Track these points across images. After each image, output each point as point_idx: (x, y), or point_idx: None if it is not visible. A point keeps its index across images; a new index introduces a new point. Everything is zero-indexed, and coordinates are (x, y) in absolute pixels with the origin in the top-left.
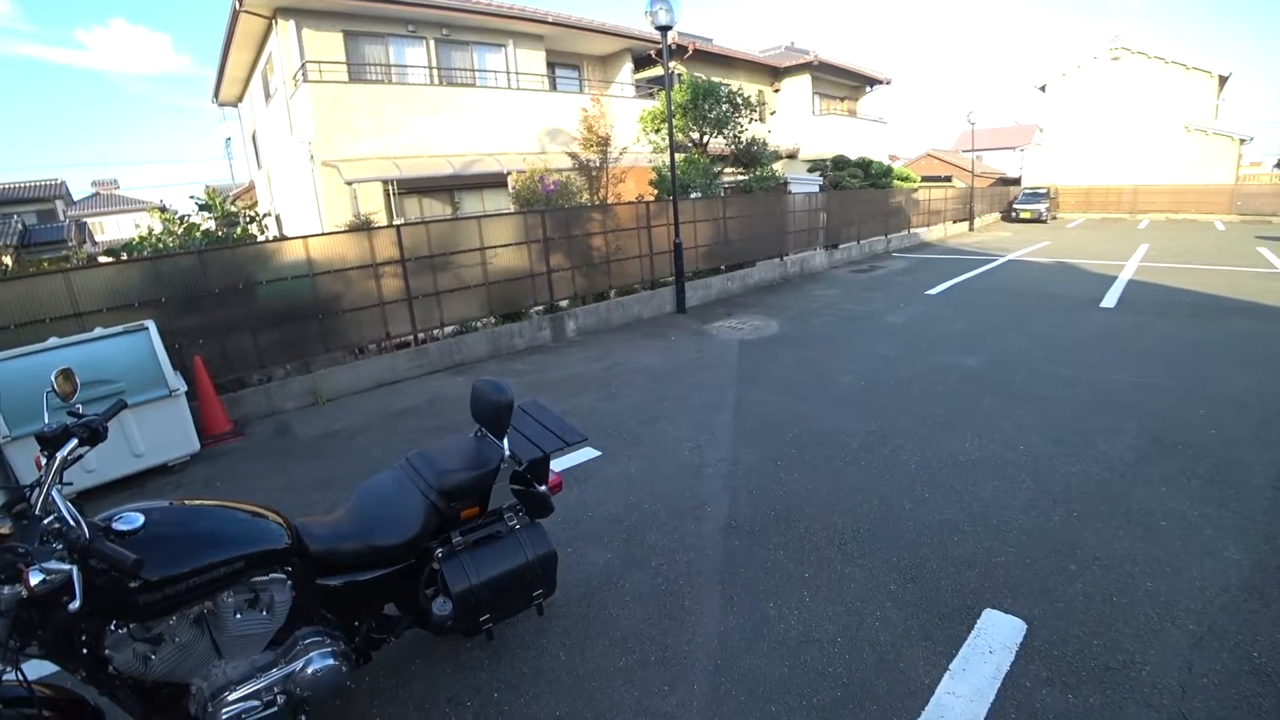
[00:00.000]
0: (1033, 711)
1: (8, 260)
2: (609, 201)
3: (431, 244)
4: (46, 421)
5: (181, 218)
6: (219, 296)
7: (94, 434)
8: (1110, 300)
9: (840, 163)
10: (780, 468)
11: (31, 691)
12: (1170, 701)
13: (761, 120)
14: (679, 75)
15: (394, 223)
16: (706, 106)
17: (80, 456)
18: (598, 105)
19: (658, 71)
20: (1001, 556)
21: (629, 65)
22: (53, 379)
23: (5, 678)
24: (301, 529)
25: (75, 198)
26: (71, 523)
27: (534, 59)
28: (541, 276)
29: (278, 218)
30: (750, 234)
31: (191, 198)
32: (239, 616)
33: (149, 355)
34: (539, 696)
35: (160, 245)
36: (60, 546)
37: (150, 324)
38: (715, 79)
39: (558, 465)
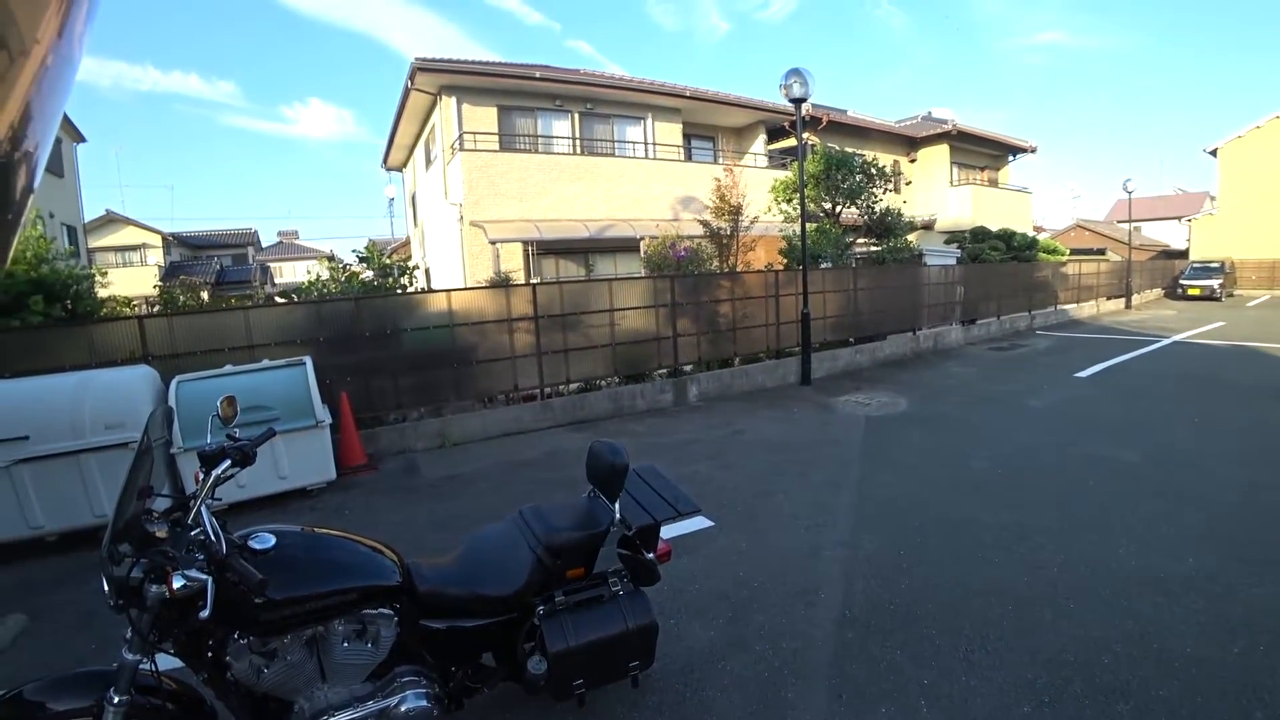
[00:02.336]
0: None
1: (204, 295)
2: (738, 269)
3: (564, 303)
4: (208, 441)
5: (344, 267)
6: (369, 339)
7: (245, 457)
8: None
9: (980, 234)
10: (903, 558)
11: (160, 683)
12: None
13: (896, 191)
14: (812, 146)
15: (530, 281)
16: (840, 177)
17: (231, 476)
18: (730, 175)
19: (791, 142)
20: (1164, 690)
21: (763, 136)
22: (218, 404)
23: (141, 668)
24: (413, 569)
25: (263, 244)
26: (213, 537)
27: (671, 130)
28: (667, 340)
29: (427, 271)
30: (881, 306)
31: (354, 251)
32: (346, 645)
33: (303, 388)
34: None
35: (324, 291)
36: (202, 557)
37: (308, 360)
38: (849, 149)
39: (667, 533)
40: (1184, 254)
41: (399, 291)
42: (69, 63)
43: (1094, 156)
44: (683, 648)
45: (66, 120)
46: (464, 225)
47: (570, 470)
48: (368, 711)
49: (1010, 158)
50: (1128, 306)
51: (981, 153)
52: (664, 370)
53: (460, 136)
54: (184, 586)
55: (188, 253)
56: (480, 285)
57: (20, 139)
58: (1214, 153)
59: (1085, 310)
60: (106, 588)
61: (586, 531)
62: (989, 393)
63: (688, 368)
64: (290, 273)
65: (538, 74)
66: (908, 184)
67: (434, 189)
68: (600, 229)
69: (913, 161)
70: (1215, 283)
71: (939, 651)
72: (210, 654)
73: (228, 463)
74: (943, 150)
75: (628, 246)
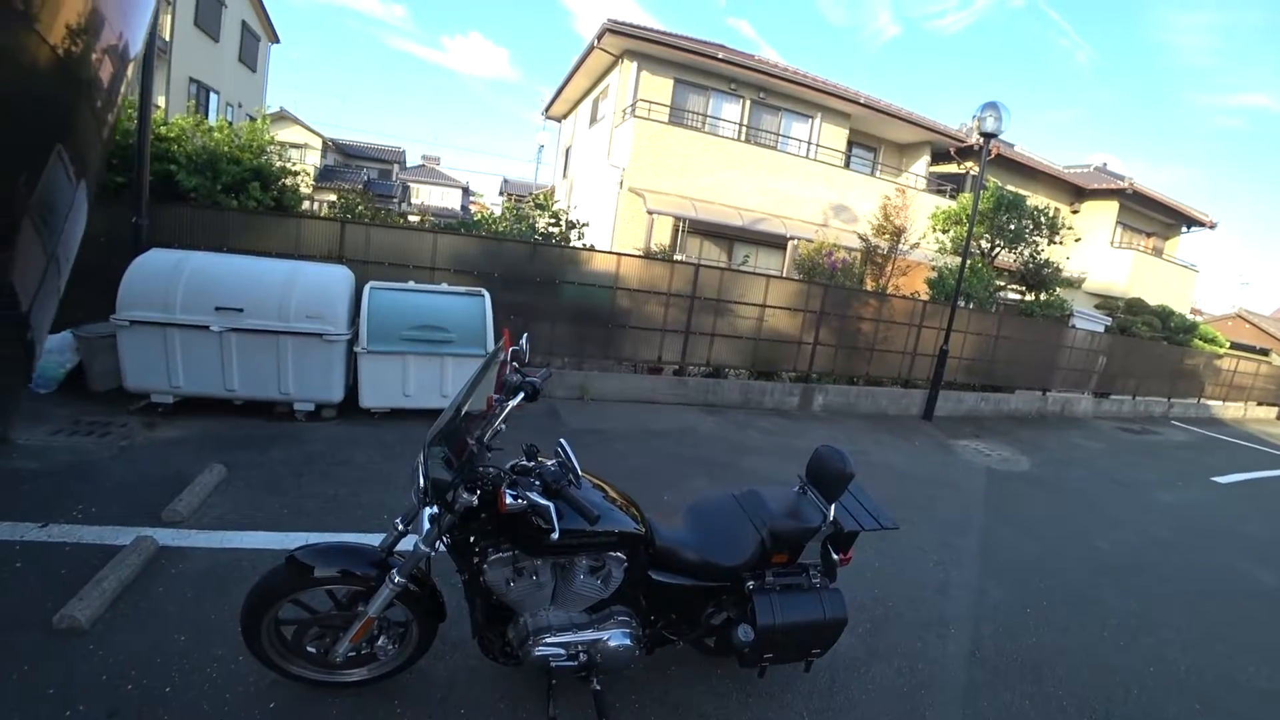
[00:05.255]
0: None
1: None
2: (888, 291)
3: (721, 288)
4: (513, 367)
5: (518, 209)
6: (537, 284)
7: (535, 392)
8: None
9: (1135, 307)
10: (1029, 616)
11: (426, 575)
12: None
13: (1062, 244)
14: (985, 182)
15: (680, 259)
16: (1005, 218)
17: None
18: (902, 196)
19: (952, 168)
20: None
21: (926, 158)
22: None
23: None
24: (651, 523)
25: (407, 164)
26: (566, 470)
27: (836, 135)
28: (806, 346)
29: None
30: (1016, 358)
31: (530, 197)
32: (582, 578)
33: (479, 319)
34: None
35: (499, 230)
36: (538, 483)
37: (486, 293)
38: (1012, 187)
39: None
40: None
41: (575, 246)
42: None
43: (1271, 242)
44: None
45: (266, 20)
46: (622, 190)
47: (703, 451)
48: (582, 638)
49: (1184, 229)
50: (1279, 416)
51: (1153, 218)
52: (794, 374)
53: (635, 103)
54: (516, 504)
55: (340, 159)
56: (648, 255)
57: (87, 46)
58: None
59: (1230, 411)
60: (423, 482)
61: (805, 525)
62: (1116, 474)
63: (816, 377)
64: (427, 195)
65: (720, 54)
66: (1077, 240)
67: (595, 147)
68: (753, 220)
69: (1075, 212)
70: None
71: (1065, 712)
72: (475, 559)
73: (522, 395)
74: (1111, 207)
75: (775, 242)
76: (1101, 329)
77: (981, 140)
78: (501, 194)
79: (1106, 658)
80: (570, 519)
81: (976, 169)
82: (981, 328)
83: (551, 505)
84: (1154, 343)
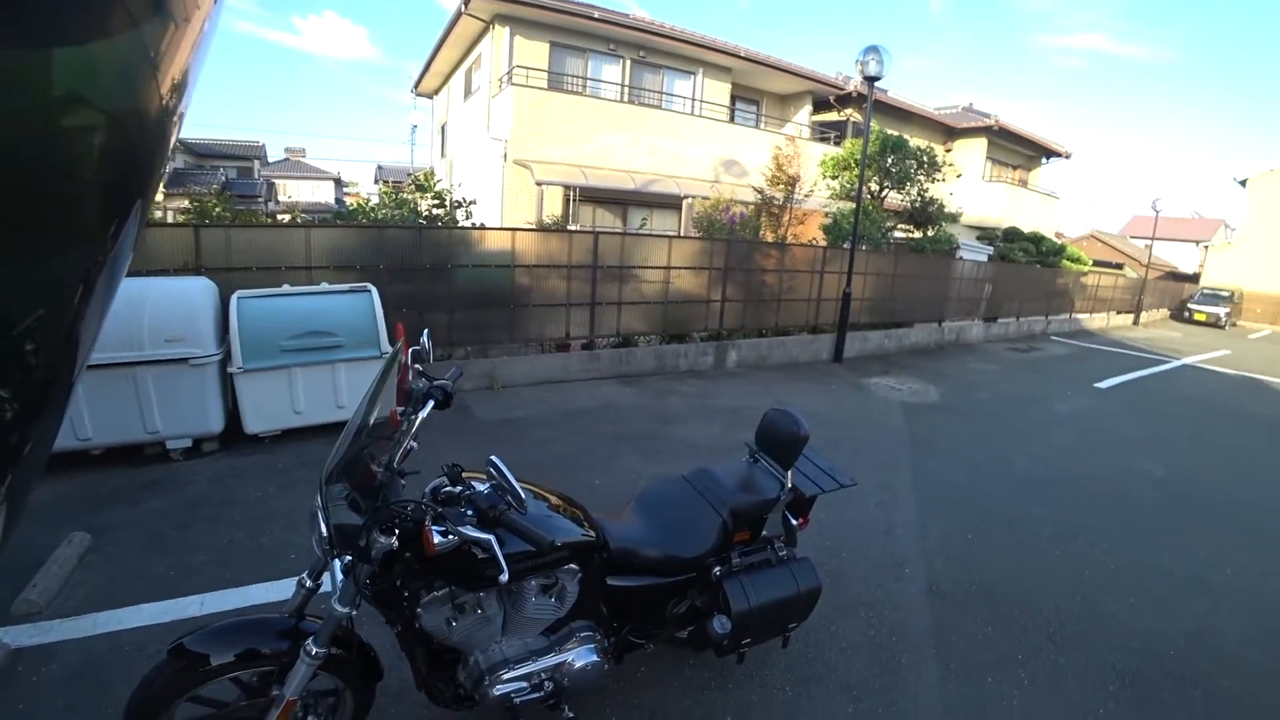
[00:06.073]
0: None
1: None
2: (787, 241)
3: (623, 255)
4: (415, 370)
5: (397, 194)
6: (428, 271)
7: (448, 398)
8: None
9: (1012, 235)
10: (972, 542)
11: (351, 635)
12: None
13: (944, 181)
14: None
15: (578, 228)
16: (891, 161)
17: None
18: (792, 145)
19: (833, 116)
20: (1227, 682)
21: (808, 107)
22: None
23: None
24: (601, 526)
25: (269, 160)
26: (504, 491)
27: (719, 89)
28: (715, 304)
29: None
30: (913, 294)
31: (391, 181)
32: (534, 601)
33: (369, 317)
34: None
35: (378, 217)
36: (470, 511)
37: (373, 288)
38: (890, 130)
39: None
40: (1192, 278)
41: (464, 226)
42: (215, 28)
43: (1114, 168)
44: None
45: None
46: (507, 163)
47: (628, 425)
48: (544, 664)
49: (1044, 160)
50: (1136, 323)
51: (1017, 151)
52: (705, 333)
53: (511, 70)
54: (447, 542)
55: (191, 160)
56: (543, 228)
57: (179, 100)
58: (1244, 182)
59: (1096, 322)
60: (325, 531)
61: (763, 497)
62: (1014, 393)
63: (726, 334)
64: (296, 191)
65: (596, 14)
66: (959, 177)
67: (473, 121)
68: (646, 182)
69: (948, 151)
70: (1222, 311)
71: (1025, 630)
72: (406, 606)
73: (431, 403)
74: (980, 144)
75: (669, 203)
76: (985, 258)
77: (865, 84)
78: (377, 181)
79: (1048, 570)
80: (512, 542)
81: (857, 116)
82: (879, 268)
83: (493, 537)
84: (1030, 267)
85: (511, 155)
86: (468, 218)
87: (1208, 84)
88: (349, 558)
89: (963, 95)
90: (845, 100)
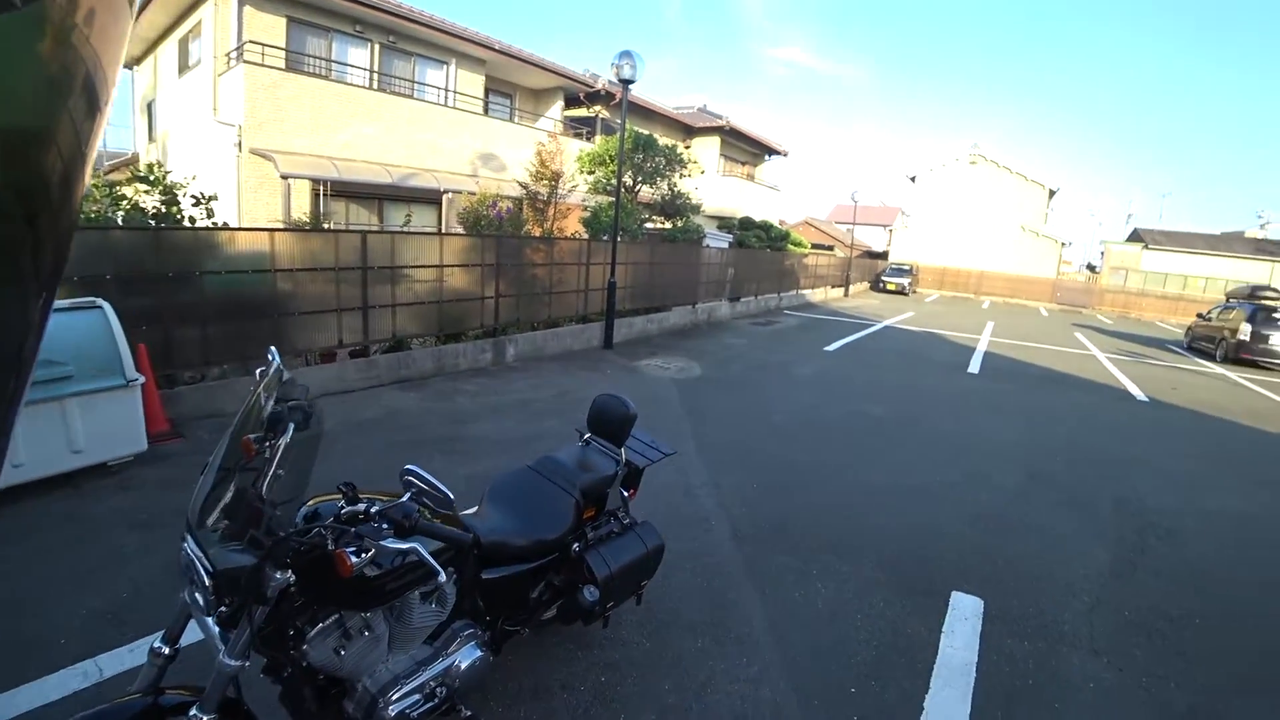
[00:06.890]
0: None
1: None
2: (553, 235)
3: (394, 254)
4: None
5: (110, 189)
6: (171, 281)
7: (308, 418)
8: (974, 367)
9: (747, 223)
10: (757, 490)
11: (239, 697)
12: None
13: (690, 176)
14: (612, 122)
15: (343, 226)
16: (642, 157)
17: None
18: (554, 142)
19: (583, 112)
20: (950, 555)
21: (560, 103)
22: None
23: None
24: (467, 522)
25: None
26: (429, 499)
27: (473, 82)
28: (490, 300)
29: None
30: (669, 281)
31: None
32: (419, 609)
33: (105, 339)
34: (643, 677)
35: (92, 216)
36: (386, 525)
37: (104, 303)
38: (636, 128)
39: None
40: (883, 255)
41: (209, 226)
42: None
43: (821, 165)
44: None
45: None
46: (243, 153)
47: (422, 431)
48: (433, 672)
49: (767, 157)
50: (846, 295)
51: (745, 149)
52: (480, 330)
53: (243, 44)
54: (363, 560)
55: None
56: (303, 227)
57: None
58: (913, 179)
59: (817, 295)
60: (208, 581)
61: (603, 475)
62: (763, 361)
63: (502, 329)
64: None
65: None
66: (702, 173)
67: (194, 100)
68: (403, 176)
69: (687, 148)
70: (906, 281)
71: (813, 551)
72: (292, 646)
73: (293, 427)
74: (715, 142)
75: (429, 198)
76: (726, 245)
77: (620, 86)
78: None
79: (819, 500)
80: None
81: (606, 113)
82: (638, 258)
83: (418, 544)
84: (764, 251)
85: (248, 144)
86: (208, 216)
87: (888, 98)
88: (224, 608)
89: (698, 96)
90: (595, 98)
